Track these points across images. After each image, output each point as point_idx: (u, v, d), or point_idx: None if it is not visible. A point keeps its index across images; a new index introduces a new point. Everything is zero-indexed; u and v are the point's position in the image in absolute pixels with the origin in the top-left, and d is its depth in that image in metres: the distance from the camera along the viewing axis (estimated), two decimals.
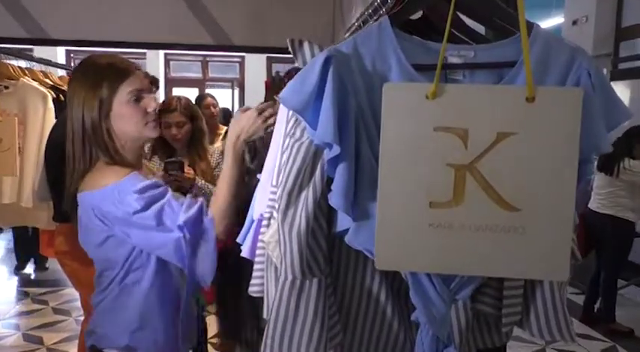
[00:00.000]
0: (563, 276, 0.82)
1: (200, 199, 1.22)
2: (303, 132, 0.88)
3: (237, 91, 7.53)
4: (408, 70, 0.88)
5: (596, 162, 3.64)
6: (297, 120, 0.89)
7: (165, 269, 1.25)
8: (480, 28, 1.10)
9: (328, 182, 0.86)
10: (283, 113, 0.99)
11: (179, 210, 1.15)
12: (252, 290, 1.04)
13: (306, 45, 0.90)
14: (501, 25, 0.98)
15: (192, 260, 1.16)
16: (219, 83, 7.59)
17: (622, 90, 4.35)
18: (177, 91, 7.51)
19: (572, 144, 0.78)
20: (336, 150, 0.81)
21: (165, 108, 2.19)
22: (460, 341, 0.94)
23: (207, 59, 7.44)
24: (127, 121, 1.22)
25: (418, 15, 1.09)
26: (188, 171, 2.05)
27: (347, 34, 1.40)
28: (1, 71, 2.75)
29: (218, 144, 3.51)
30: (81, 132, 1.22)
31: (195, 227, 1.16)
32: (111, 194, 1.15)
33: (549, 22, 6.54)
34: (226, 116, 4.88)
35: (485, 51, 0.93)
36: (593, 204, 3.60)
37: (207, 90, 6.91)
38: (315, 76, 0.82)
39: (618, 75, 4.34)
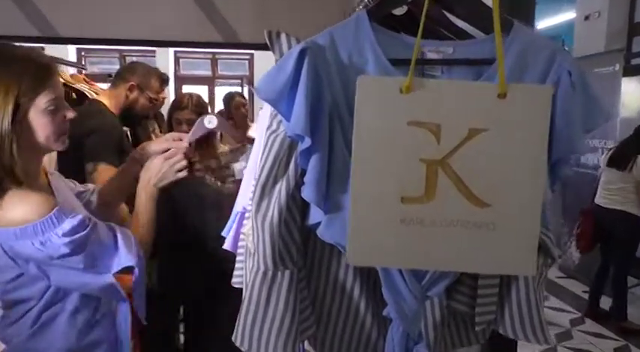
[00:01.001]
0: (530, 271, 0.82)
1: (130, 235, 1.13)
2: (279, 124, 0.88)
3: (246, 88, 7.56)
4: (384, 64, 0.88)
5: (603, 158, 3.63)
6: (274, 112, 0.90)
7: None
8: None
9: (303, 174, 0.86)
10: (268, 106, 1.00)
11: (113, 252, 1.08)
12: (234, 281, 1.06)
13: (283, 37, 0.90)
14: (483, 21, 0.97)
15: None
16: (229, 80, 7.64)
17: (635, 85, 4.28)
18: (186, 89, 7.57)
19: (541, 141, 0.78)
20: (308, 142, 0.81)
21: (177, 105, 2.17)
22: (434, 338, 0.94)
23: (217, 57, 7.49)
24: (40, 131, 1.06)
25: (403, 11, 1.10)
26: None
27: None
28: None
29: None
30: None
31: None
32: (31, 234, 0.99)
33: (561, 17, 6.46)
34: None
35: (465, 47, 0.92)
36: (600, 200, 3.60)
37: (217, 88, 6.96)
38: (289, 68, 0.82)
39: (631, 70, 4.27)
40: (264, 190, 0.88)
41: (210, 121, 1.42)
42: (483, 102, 0.79)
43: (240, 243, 1.05)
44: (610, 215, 3.49)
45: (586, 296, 3.91)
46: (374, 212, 0.81)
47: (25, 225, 0.98)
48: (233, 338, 0.90)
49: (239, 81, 7.64)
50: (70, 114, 1.12)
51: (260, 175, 0.88)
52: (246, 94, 7.48)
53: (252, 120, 4.43)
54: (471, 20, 1.02)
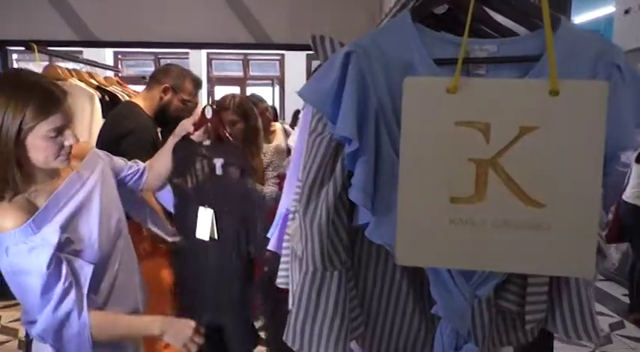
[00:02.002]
0: (589, 273, 0.80)
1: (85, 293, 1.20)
2: (325, 127, 0.89)
3: (277, 89, 7.62)
4: (429, 64, 0.87)
5: (635, 155, 3.56)
6: (319, 115, 0.91)
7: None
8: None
9: (349, 176, 0.87)
10: (309, 109, 1.01)
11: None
12: (278, 281, 1.08)
13: (327, 41, 0.91)
14: (528, 18, 0.96)
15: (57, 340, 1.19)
16: (260, 81, 7.71)
17: None
18: (219, 90, 7.69)
19: (597, 138, 0.77)
20: (355, 144, 0.82)
21: (219, 106, 2.17)
22: (482, 337, 0.93)
23: (248, 58, 7.57)
24: (38, 153, 1.18)
25: (444, 9, 1.09)
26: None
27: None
28: (51, 73, 2.89)
29: (275, 142, 3.55)
30: None
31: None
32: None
33: (600, 11, 6.25)
34: (274, 114, 4.93)
35: (510, 45, 0.91)
36: (629, 196, 3.57)
37: (248, 89, 7.03)
38: (335, 71, 0.83)
39: None
40: (312, 192, 0.89)
41: (208, 111, 1.65)
42: (534, 100, 0.78)
43: (284, 244, 1.06)
44: (628, 208, 3.53)
45: (626, 299, 3.79)
46: (423, 212, 0.82)
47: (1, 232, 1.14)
48: (284, 338, 0.91)
49: (270, 81, 7.70)
50: (69, 142, 1.20)
51: (307, 178, 0.89)
52: (276, 95, 7.56)
53: (278, 119, 4.46)
54: (514, 17, 1.01)
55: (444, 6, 1.07)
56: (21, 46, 3.58)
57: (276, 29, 4.71)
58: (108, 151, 1.53)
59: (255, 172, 2.32)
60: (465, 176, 0.80)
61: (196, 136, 1.62)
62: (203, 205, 1.69)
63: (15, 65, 5.57)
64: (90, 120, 2.99)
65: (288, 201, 1.10)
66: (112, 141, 2.08)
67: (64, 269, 1.17)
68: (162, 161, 1.63)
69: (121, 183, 1.52)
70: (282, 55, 7.42)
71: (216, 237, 1.67)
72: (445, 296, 0.87)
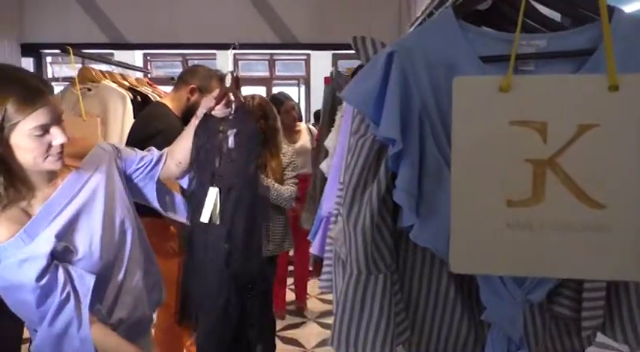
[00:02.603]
0: None
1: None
2: (367, 128, 0.88)
3: (303, 89, 7.61)
4: (475, 62, 0.85)
5: None
6: (361, 117, 0.89)
7: None
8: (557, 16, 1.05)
9: (393, 178, 0.85)
10: (349, 111, 0.99)
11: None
12: (322, 285, 1.06)
13: (368, 42, 0.89)
14: (577, 10, 0.92)
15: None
16: (286, 81, 7.72)
17: None
18: (245, 90, 7.71)
19: None
20: (399, 145, 0.80)
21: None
22: (535, 343, 0.90)
23: (274, 58, 7.58)
24: (24, 153, 1.08)
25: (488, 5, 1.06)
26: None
27: (412, 28, 1.38)
28: (85, 75, 2.94)
29: (300, 142, 3.54)
30: None
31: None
32: None
33: (634, 5, 6.04)
34: (298, 112, 4.92)
35: (560, 39, 0.88)
36: None
37: (274, 89, 7.04)
38: (378, 72, 0.82)
39: None
40: (355, 195, 0.87)
41: (228, 80, 1.46)
42: (592, 96, 0.74)
43: (327, 247, 1.05)
44: None
45: None
46: (478, 217, 0.79)
47: None
48: (330, 342, 0.90)
49: (296, 81, 7.70)
50: (59, 141, 1.09)
51: (350, 180, 0.87)
52: (302, 94, 7.56)
53: (302, 120, 4.45)
54: (561, 8, 0.97)
55: (488, 1, 1.04)
56: (56, 49, 3.66)
57: (301, 29, 4.71)
58: None
59: (273, 172, 2.28)
60: (521, 178, 0.77)
61: (220, 111, 1.44)
62: (213, 184, 1.46)
63: (49, 68, 5.70)
64: (122, 120, 3.04)
65: (329, 204, 1.08)
66: (141, 141, 2.10)
67: (61, 279, 1.10)
68: (182, 145, 1.43)
69: (132, 176, 1.39)
70: (308, 55, 7.40)
71: (217, 221, 1.42)
72: (495, 301, 0.84)
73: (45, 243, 1.09)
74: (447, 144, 0.83)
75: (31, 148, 1.07)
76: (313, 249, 1.11)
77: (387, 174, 0.86)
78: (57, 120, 1.09)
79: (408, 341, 0.94)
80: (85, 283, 1.12)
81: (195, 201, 1.43)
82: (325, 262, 1.04)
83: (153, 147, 1.48)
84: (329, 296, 2.59)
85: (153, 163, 1.40)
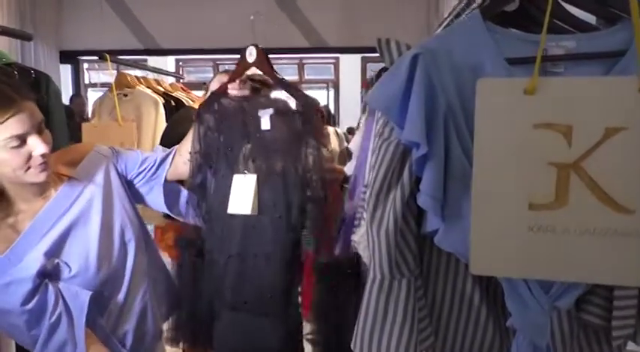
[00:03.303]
0: None
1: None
2: (391, 131, 0.87)
3: (332, 92, 7.63)
4: (502, 64, 0.84)
5: None
6: (386, 120, 0.89)
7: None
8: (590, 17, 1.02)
9: (418, 181, 0.85)
10: (372, 115, 0.99)
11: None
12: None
13: (393, 44, 0.89)
14: (608, 10, 0.89)
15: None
16: (315, 85, 7.75)
17: None
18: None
19: None
20: (423, 148, 0.79)
21: None
22: (563, 351, 0.87)
23: (303, 61, 7.63)
24: (3, 166, 1.01)
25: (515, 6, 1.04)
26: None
27: (439, 30, 1.37)
28: (121, 81, 3.03)
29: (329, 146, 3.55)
30: None
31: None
32: None
33: None
34: (328, 115, 4.94)
35: (590, 40, 0.85)
36: None
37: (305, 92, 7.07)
38: (402, 75, 0.81)
39: None
40: (379, 198, 0.87)
41: (251, 53, 1.26)
42: (621, 99, 0.73)
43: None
44: None
45: None
46: (499, 220, 0.78)
47: None
48: (352, 346, 0.90)
49: (325, 85, 7.73)
50: (39, 151, 1.01)
51: (374, 183, 0.87)
52: (331, 98, 7.58)
53: (335, 123, 4.45)
54: (591, 8, 0.95)
55: (516, 2, 1.03)
56: (93, 55, 3.79)
57: (330, 32, 4.73)
58: None
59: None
60: (544, 181, 0.75)
61: (235, 90, 1.24)
62: (240, 172, 1.25)
63: (86, 74, 5.89)
64: (155, 125, 3.11)
65: (348, 205, 1.08)
66: (172, 144, 2.15)
67: (51, 301, 1.03)
68: (190, 142, 1.30)
69: (135, 180, 1.28)
70: (337, 58, 7.42)
71: (256, 211, 1.22)
72: (521, 307, 0.83)
73: (33, 263, 1.03)
74: (473, 147, 0.82)
75: (8, 161, 0.99)
76: (337, 251, 1.11)
77: (411, 177, 0.85)
78: (35, 129, 1.01)
79: (432, 346, 0.93)
80: (80, 301, 1.05)
81: (218, 192, 1.24)
82: None
83: (159, 147, 1.39)
84: None
85: (157, 164, 1.29)
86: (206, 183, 1.29)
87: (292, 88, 1.27)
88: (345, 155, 2.49)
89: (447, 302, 0.93)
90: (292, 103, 1.26)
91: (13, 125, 0.97)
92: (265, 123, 1.24)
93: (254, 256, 1.23)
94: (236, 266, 1.25)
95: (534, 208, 0.76)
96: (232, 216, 1.23)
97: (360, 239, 0.94)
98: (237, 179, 1.24)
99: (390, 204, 0.86)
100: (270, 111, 1.24)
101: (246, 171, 1.24)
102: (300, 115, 1.23)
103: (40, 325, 1.03)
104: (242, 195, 1.23)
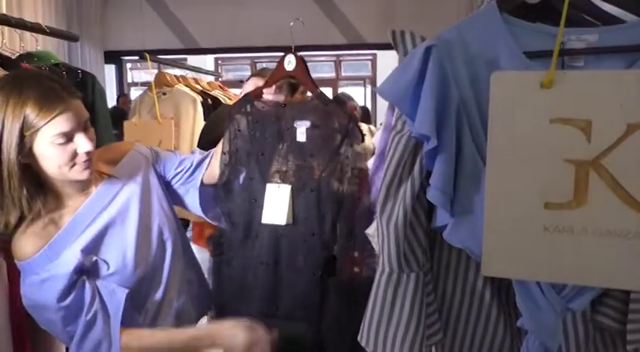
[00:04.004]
0: None
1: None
2: (404, 124, 0.87)
3: (369, 89, 7.59)
4: (518, 57, 0.81)
5: None
6: (398, 112, 0.88)
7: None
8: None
9: (428, 175, 0.84)
10: (391, 107, 0.99)
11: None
12: None
13: (407, 36, 0.88)
14: (636, 2, 0.86)
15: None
16: (352, 81, 7.73)
17: None
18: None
19: None
20: (433, 142, 0.78)
21: None
22: None
23: (340, 58, 7.62)
24: (49, 163, 1.03)
25: None
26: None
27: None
28: (161, 80, 3.12)
29: (362, 143, 3.54)
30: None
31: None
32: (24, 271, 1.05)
33: None
34: (366, 114, 4.91)
35: (613, 33, 0.82)
36: None
37: (340, 89, 7.07)
38: (414, 67, 0.80)
39: None
40: (389, 191, 0.87)
41: (289, 62, 1.24)
42: None
43: None
44: None
45: None
46: (513, 219, 0.76)
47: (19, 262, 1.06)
48: (359, 338, 0.90)
49: (362, 82, 7.70)
50: (84, 149, 1.03)
51: (385, 176, 0.87)
52: (368, 95, 7.54)
53: (371, 122, 4.42)
54: (620, 1, 0.91)
55: None
56: (135, 55, 3.92)
57: (368, 28, 4.72)
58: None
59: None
60: (561, 179, 0.73)
61: (270, 95, 1.23)
62: (273, 181, 1.26)
63: (129, 73, 6.09)
64: (193, 123, 3.18)
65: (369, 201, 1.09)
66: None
67: (87, 298, 1.04)
68: None
69: (172, 181, 1.30)
70: (374, 55, 7.38)
71: (291, 221, 1.24)
72: (532, 308, 0.80)
73: (70, 259, 1.05)
74: (486, 143, 0.80)
75: (54, 157, 1.02)
76: None
77: (421, 171, 0.85)
78: (81, 127, 1.03)
79: (441, 343, 0.92)
80: (117, 299, 1.06)
81: (245, 194, 1.25)
82: None
83: (197, 149, 1.41)
84: None
85: (194, 166, 1.31)
86: (232, 184, 1.30)
87: (332, 103, 1.26)
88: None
89: (457, 299, 0.92)
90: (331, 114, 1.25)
91: (61, 123, 1.00)
92: (301, 136, 1.23)
93: (286, 265, 1.24)
94: (265, 273, 1.26)
95: (550, 207, 0.74)
96: (261, 223, 1.25)
97: (374, 232, 0.94)
98: (271, 189, 1.25)
99: (401, 198, 0.85)
100: (307, 124, 1.23)
101: (279, 181, 1.25)
102: (338, 132, 1.22)
103: (76, 322, 1.04)
104: (276, 205, 1.24)
